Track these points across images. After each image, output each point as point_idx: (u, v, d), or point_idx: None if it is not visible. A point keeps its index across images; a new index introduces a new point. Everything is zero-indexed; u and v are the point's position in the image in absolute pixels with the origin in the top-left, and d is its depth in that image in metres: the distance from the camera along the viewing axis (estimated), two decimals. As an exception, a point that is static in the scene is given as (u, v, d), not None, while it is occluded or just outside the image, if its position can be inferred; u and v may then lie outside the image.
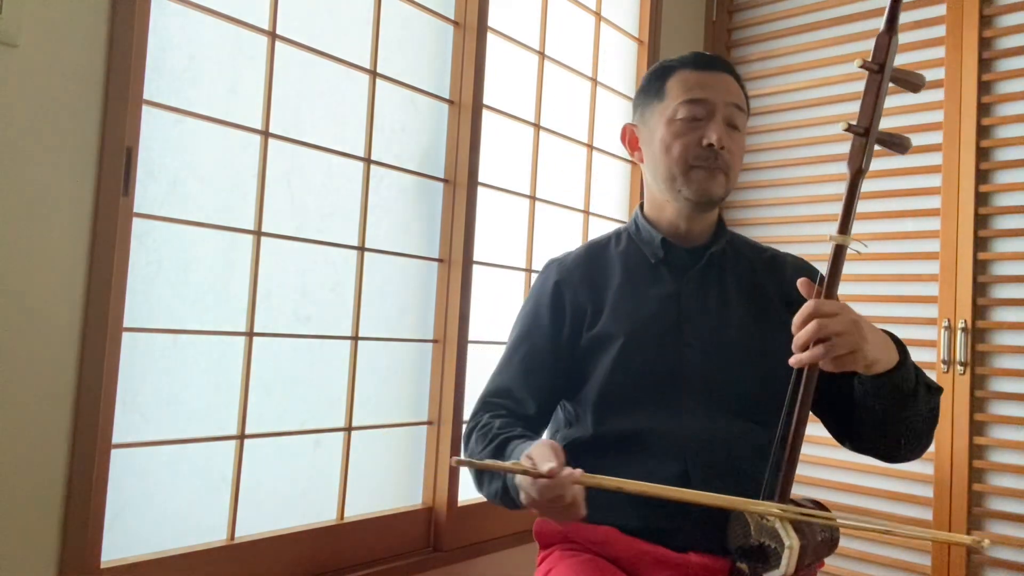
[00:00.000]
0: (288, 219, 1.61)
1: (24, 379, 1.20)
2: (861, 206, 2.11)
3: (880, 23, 1.07)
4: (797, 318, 1.00)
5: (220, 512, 1.50)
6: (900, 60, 1.26)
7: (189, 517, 1.45)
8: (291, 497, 1.62)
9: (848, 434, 1.21)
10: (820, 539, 1.03)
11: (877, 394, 1.06)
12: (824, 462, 2.32)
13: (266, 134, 1.56)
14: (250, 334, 1.53)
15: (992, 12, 2.18)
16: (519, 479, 0.97)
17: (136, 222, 1.35)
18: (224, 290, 1.50)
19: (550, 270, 1.32)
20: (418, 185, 1.88)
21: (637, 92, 1.32)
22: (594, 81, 2.38)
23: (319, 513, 1.66)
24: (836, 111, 2.45)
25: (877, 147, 1.08)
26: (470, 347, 1.91)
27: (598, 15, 2.39)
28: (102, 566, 1.30)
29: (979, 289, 2.14)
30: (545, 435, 1.30)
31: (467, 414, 1.88)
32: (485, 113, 1.98)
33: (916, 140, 2.05)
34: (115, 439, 1.32)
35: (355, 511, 1.73)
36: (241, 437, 1.52)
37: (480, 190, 1.95)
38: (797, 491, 1.08)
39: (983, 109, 2.17)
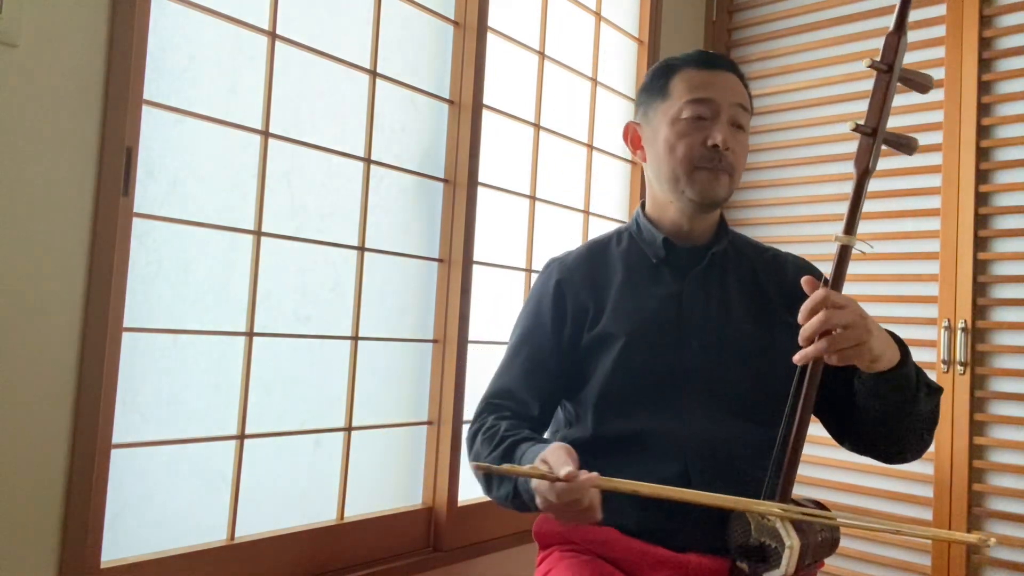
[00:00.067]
0: (288, 219, 1.61)
1: (24, 379, 1.20)
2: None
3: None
4: (804, 307, 1.00)
5: (220, 512, 1.50)
6: (900, 60, 1.26)
7: (189, 517, 1.45)
8: (291, 497, 1.62)
9: (848, 434, 1.21)
10: (820, 539, 1.03)
11: (877, 393, 1.06)
12: (824, 462, 2.32)
13: (266, 134, 1.56)
14: (250, 334, 1.53)
15: (992, 12, 2.18)
16: (536, 483, 0.97)
17: (136, 222, 1.35)
18: (224, 290, 1.50)
19: (551, 269, 1.31)
20: (418, 185, 1.88)
21: (640, 90, 1.31)
22: (594, 81, 2.38)
23: (319, 513, 1.66)
24: (836, 111, 2.45)
25: (882, 147, 1.08)
26: (470, 347, 1.91)
27: (598, 15, 2.38)
28: (102, 566, 1.30)
29: (979, 289, 2.14)
30: (546, 436, 1.30)
31: (467, 414, 1.89)
32: (485, 113, 1.98)
33: (916, 140, 2.05)
34: (115, 439, 1.32)
35: (355, 511, 1.73)
36: (241, 437, 1.52)
37: (480, 190, 1.95)
38: (797, 491, 1.08)
39: (983, 109, 2.17)
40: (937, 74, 2.24)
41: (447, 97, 1.93)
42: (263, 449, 1.57)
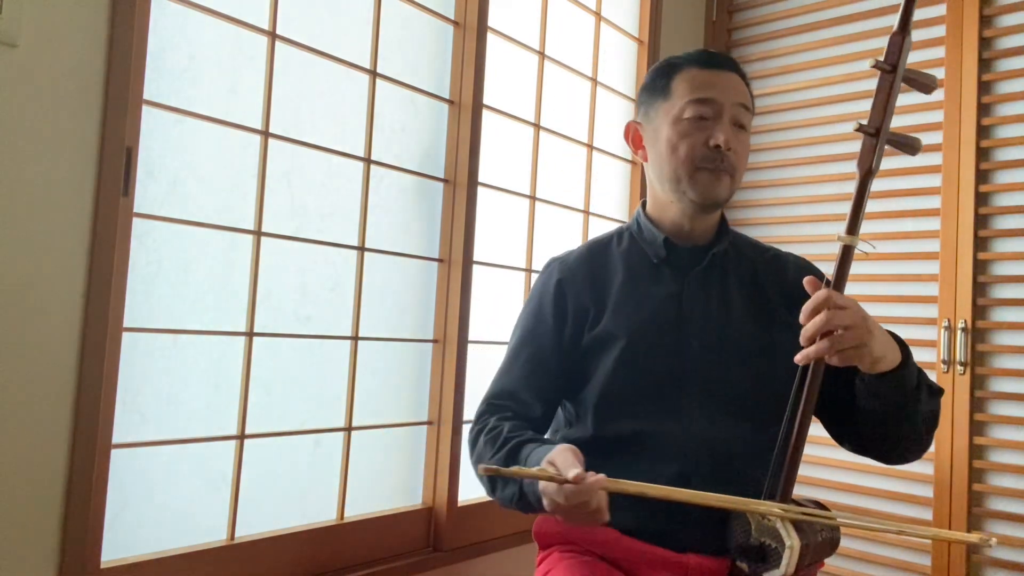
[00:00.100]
0: (288, 219, 1.61)
1: (24, 379, 1.20)
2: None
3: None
4: (807, 308, 1.00)
5: (220, 512, 1.50)
6: (900, 60, 1.25)
7: (189, 517, 1.45)
8: (291, 497, 1.62)
9: (848, 435, 1.21)
10: (821, 539, 1.03)
11: (878, 394, 1.06)
12: (824, 462, 2.32)
13: (266, 134, 1.56)
14: (250, 334, 1.53)
15: (992, 12, 2.18)
16: (543, 485, 0.96)
17: (136, 222, 1.35)
18: (224, 290, 1.50)
19: (552, 269, 1.30)
20: (418, 185, 1.88)
21: (641, 89, 1.30)
22: (594, 81, 2.38)
23: (319, 513, 1.66)
24: (837, 111, 2.45)
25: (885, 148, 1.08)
26: (470, 347, 1.91)
27: (598, 15, 2.38)
28: (102, 566, 1.30)
29: (979, 289, 2.14)
30: (546, 436, 1.30)
31: (467, 414, 1.89)
32: (485, 113, 1.98)
33: (916, 140, 2.05)
34: (115, 439, 1.32)
35: (355, 511, 1.73)
36: (241, 437, 1.52)
37: (480, 190, 1.95)
38: (797, 491, 1.08)
39: (983, 109, 2.17)
40: (937, 74, 2.23)
41: (447, 97, 1.93)
42: (263, 449, 1.57)
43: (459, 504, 1.88)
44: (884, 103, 1.05)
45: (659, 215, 1.28)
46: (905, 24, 1.04)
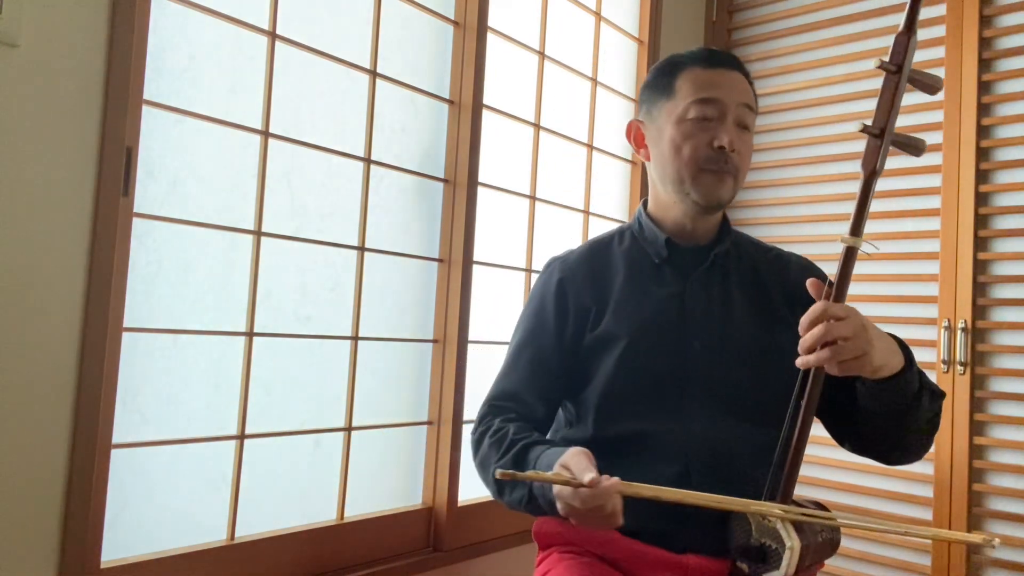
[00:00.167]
0: (288, 219, 1.61)
1: (24, 379, 1.20)
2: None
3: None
4: (805, 319, 0.99)
5: (220, 512, 1.50)
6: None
7: (189, 517, 1.45)
8: (291, 497, 1.62)
9: (848, 435, 1.21)
10: (821, 540, 1.03)
11: (880, 397, 1.06)
12: (824, 462, 2.32)
13: (266, 134, 1.56)
14: (250, 334, 1.53)
15: (992, 12, 2.18)
16: (558, 489, 0.96)
17: (136, 222, 1.35)
18: (224, 290, 1.50)
19: (552, 268, 1.30)
20: (418, 185, 1.88)
21: (644, 87, 1.29)
22: (594, 81, 2.38)
23: (319, 513, 1.66)
24: (837, 111, 2.45)
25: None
26: (470, 347, 1.91)
27: (598, 15, 2.38)
28: (102, 566, 1.30)
29: (979, 289, 2.14)
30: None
31: (467, 414, 1.89)
32: (485, 113, 1.98)
33: (916, 140, 2.05)
34: (115, 439, 1.32)
35: (355, 511, 1.73)
36: (241, 437, 1.52)
37: (480, 190, 1.95)
38: (797, 491, 1.08)
39: (983, 109, 2.17)
40: (937, 74, 2.23)
41: (447, 97, 1.93)
42: (263, 449, 1.57)
43: (459, 504, 1.88)
44: (889, 104, 1.03)
45: (661, 215, 1.28)
46: (911, 24, 1.03)
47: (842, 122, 2.42)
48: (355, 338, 1.73)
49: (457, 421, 1.87)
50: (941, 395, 1.13)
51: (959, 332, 2.13)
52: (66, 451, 1.24)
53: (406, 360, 1.85)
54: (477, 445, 1.19)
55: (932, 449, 1.97)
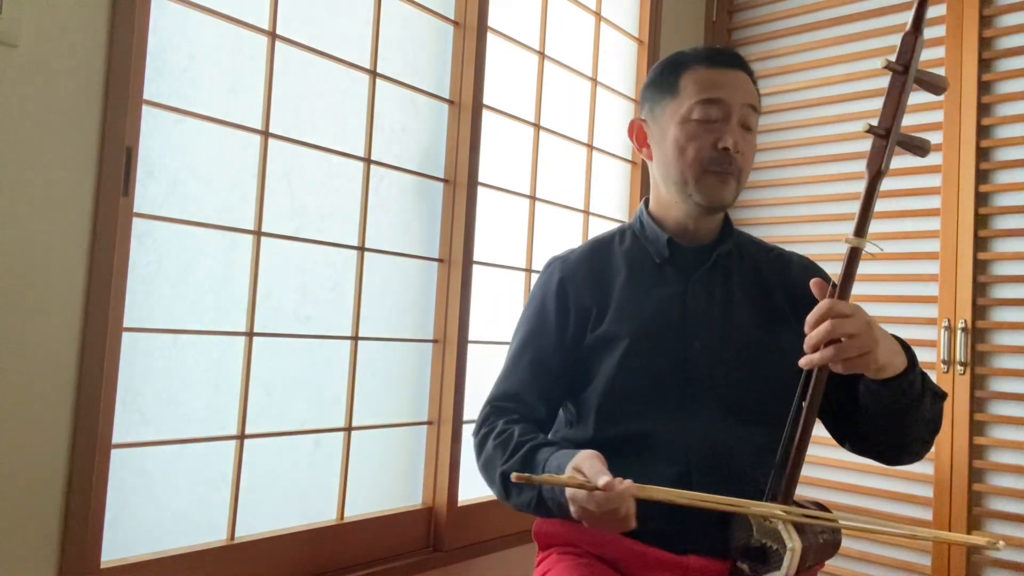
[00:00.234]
0: (288, 219, 1.61)
1: (24, 379, 1.20)
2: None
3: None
4: (811, 317, 0.99)
5: (220, 512, 1.50)
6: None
7: (189, 517, 1.45)
8: (291, 497, 1.62)
9: (849, 435, 1.20)
10: (822, 541, 1.03)
11: (881, 398, 1.06)
12: (824, 462, 2.32)
13: (266, 134, 1.56)
14: (250, 334, 1.53)
15: (992, 12, 2.18)
16: (572, 493, 0.96)
17: (136, 222, 1.35)
18: (224, 290, 1.50)
19: (553, 268, 1.29)
20: (418, 185, 1.88)
21: (647, 85, 1.28)
22: (594, 81, 2.38)
23: (319, 513, 1.66)
24: (837, 111, 2.45)
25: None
26: (470, 347, 1.91)
27: (598, 15, 2.38)
28: (102, 566, 1.30)
29: (979, 289, 2.14)
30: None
31: (467, 414, 1.89)
32: (485, 113, 1.98)
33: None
34: (115, 439, 1.32)
35: (355, 511, 1.73)
36: (241, 437, 1.52)
37: (480, 190, 1.95)
38: (797, 492, 1.08)
39: (983, 109, 2.17)
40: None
41: (447, 97, 1.93)
42: (263, 449, 1.57)
43: (459, 504, 1.88)
44: (895, 104, 1.02)
45: (663, 214, 1.27)
46: (918, 24, 1.02)
47: (842, 122, 2.42)
48: (355, 338, 1.73)
49: (457, 421, 1.87)
50: (943, 396, 1.13)
51: (959, 332, 2.13)
52: (66, 451, 1.24)
53: (406, 360, 1.85)
54: (480, 446, 1.19)
55: (932, 449, 1.97)
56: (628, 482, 0.92)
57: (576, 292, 1.24)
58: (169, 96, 1.41)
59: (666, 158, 1.22)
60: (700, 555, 1.09)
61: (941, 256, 2.19)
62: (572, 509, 0.97)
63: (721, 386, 1.17)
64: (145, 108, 1.36)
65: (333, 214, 1.70)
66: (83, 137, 1.26)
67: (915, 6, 1.04)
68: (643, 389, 1.17)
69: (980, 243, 2.15)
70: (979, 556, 2.07)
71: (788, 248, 1.36)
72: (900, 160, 2.22)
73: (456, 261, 1.89)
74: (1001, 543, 0.90)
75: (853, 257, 1.02)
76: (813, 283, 1.03)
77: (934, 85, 1.05)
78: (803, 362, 1.00)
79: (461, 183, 1.90)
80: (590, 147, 2.36)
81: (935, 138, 2.22)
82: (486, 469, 1.17)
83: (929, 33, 2.28)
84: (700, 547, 1.09)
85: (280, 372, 1.59)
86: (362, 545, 1.70)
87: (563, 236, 2.27)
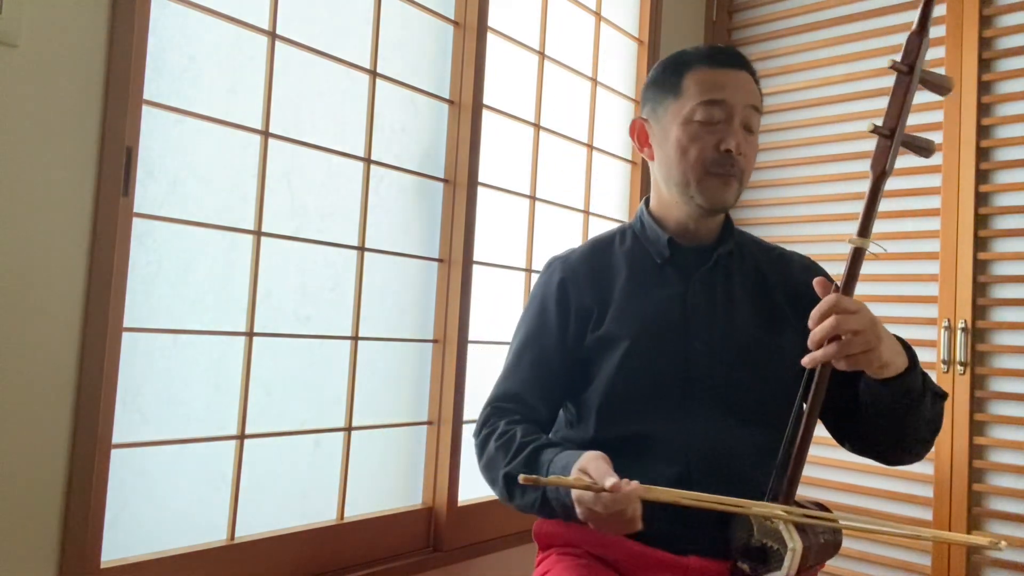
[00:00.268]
0: (288, 219, 1.61)
1: (24, 379, 1.20)
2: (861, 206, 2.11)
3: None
4: (815, 313, 0.99)
5: (220, 512, 1.50)
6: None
7: (189, 517, 1.45)
8: (291, 497, 1.62)
9: (849, 435, 1.20)
10: (823, 541, 1.03)
11: (882, 397, 1.06)
12: (824, 462, 2.32)
13: (266, 134, 1.56)
14: (250, 334, 1.53)
15: (992, 12, 2.18)
16: (578, 494, 0.96)
17: (136, 222, 1.35)
18: (224, 290, 1.50)
19: (554, 268, 1.29)
20: (418, 185, 1.88)
21: (649, 84, 1.27)
22: (594, 81, 2.38)
23: (319, 513, 1.66)
24: (837, 111, 2.45)
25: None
26: (470, 347, 1.91)
27: (598, 15, 2.38)
28: (102, 566, 1.30)
29: (979, 289, 2.14)
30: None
31: (467, 414, 1.89)
32: (485, 113, 1.98)
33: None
34: (115, 439, 1.31)
35: (355, 511, 1.73)
36: (241, 437, 1.52)
37: (480, 190, 1.95)
38: (797, 492, 1.08)
39: (983, 109, 2.17)
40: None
41: (447, 97, 1.93)
42: (263, 449, 1.56)
43: (459, 504, 1.88)
44: (900, 105, 1.02)
45: (663, 214, 1.27)
46: (924, 24, 1.02)
47: (842, 122, 2.42)
48: (355, 338, 1.73)
49: (457, 421, 1.87)
50: (943, 397, 1.13)
51: (959, 332, 2.13)
52: (66, 451, 1.24)
53: (406, 360, 1.85)
54: (482, 447, 1.18)
55: (932, 449, 1.97)
56: (635, 483, 0.92)
57: (577, 292, 1.24)
58: (169, 96, 1.41)
59: (668, 159, 1.21)
60: (700, 555, 1.09)
61: (941, 256, 2.19)
62: (578, 510, 0.97)
63: (721, 386, 1.16)
64: (145, 108, 1.36)
65: (333, 214, 1.69)
66: (83, 137, 1.26)
67: (921, 6, 1.04)
68: (643, 389, 1.16)
69: (980, 243, 2.15)
70: (979, 556, 2.07)
71: (789, 248, 1.36)
72: (900, 160, 2.20)
73: (456, 261, 1.89)
74: (1003, 543, 0.89)
75: (857, 257, 1.02)
76: (816, 282, 1.03)
77: (939, 86, 1.05)
78: (806, 360, 1.00)
79: (461, 183, 1.90)
80: (590, 147, 2.36)
81: (935, 138, 2.21)
82: (488, 470, 1.17)
83: (929, 33, 2.27)
84: (700, 547, 1.09)
85: (280, 372, 1.59)
86: (362, 545, 1.70)
87: (563, 236, 2.27)
